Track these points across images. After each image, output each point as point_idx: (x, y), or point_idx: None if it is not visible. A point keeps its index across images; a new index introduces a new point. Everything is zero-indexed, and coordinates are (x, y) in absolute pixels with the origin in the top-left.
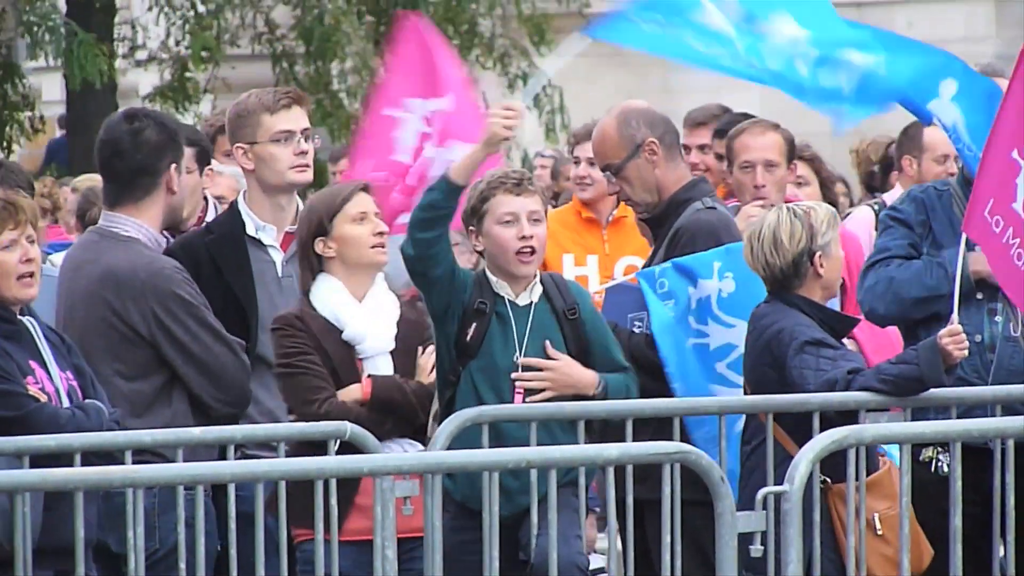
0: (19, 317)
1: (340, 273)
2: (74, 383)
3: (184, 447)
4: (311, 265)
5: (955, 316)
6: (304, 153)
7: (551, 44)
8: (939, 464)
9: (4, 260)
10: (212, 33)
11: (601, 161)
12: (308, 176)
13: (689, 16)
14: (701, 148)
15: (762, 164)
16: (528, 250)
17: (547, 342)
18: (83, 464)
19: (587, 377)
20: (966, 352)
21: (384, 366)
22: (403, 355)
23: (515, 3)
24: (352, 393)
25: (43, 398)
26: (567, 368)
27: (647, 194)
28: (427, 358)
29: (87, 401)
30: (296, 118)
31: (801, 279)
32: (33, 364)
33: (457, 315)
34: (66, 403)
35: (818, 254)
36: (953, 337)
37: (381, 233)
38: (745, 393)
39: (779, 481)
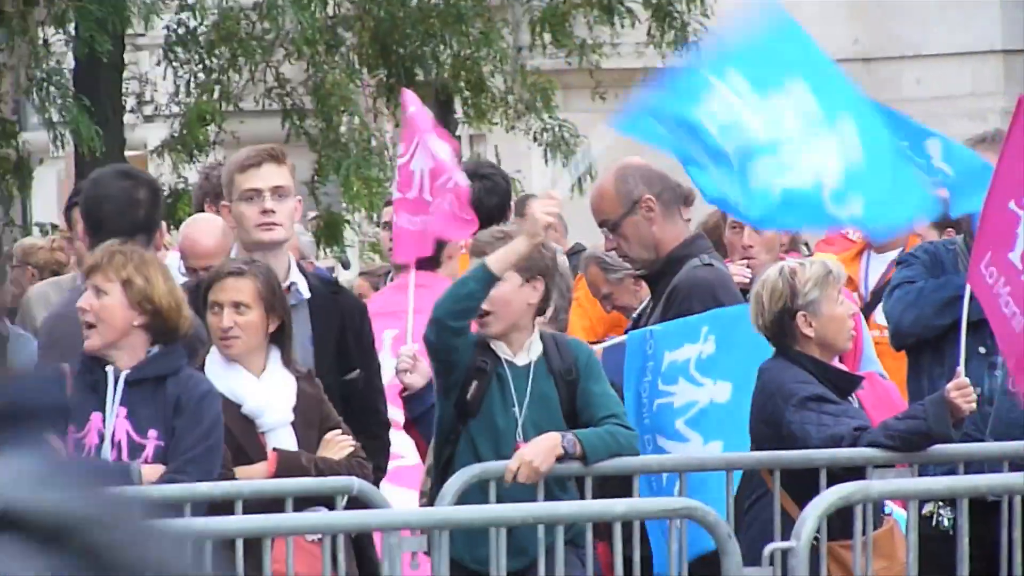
0: (106, 369)
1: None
2: (150, 442)
3: (191, 502)
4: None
5: (961, 369)
6: (269, 211)
7: (553, 109)
8: (940, 519)
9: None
10: (213, 96)
11: (599, 217)
12: (277, 234)
13: (695, 117)
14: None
15: (750, 225)
16: (483, 314)
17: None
18: None
19: (547, 441)
20: (974, 406)
21: (286, 438)
22: (304, 428)
23: (515, 63)
24: (255, 471)
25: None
26: (526, 450)
27: (644, 251)
28: (332, 435)
29: (123, 462)
30: (266, 176)
31: (790, 337)
32: (94, 415)
33: (459, 378)
34: (107, 454)
35: (801, 313)
36: (961, 391)
37: (224, 328)
38: (752, 449)
39: (782, 536)
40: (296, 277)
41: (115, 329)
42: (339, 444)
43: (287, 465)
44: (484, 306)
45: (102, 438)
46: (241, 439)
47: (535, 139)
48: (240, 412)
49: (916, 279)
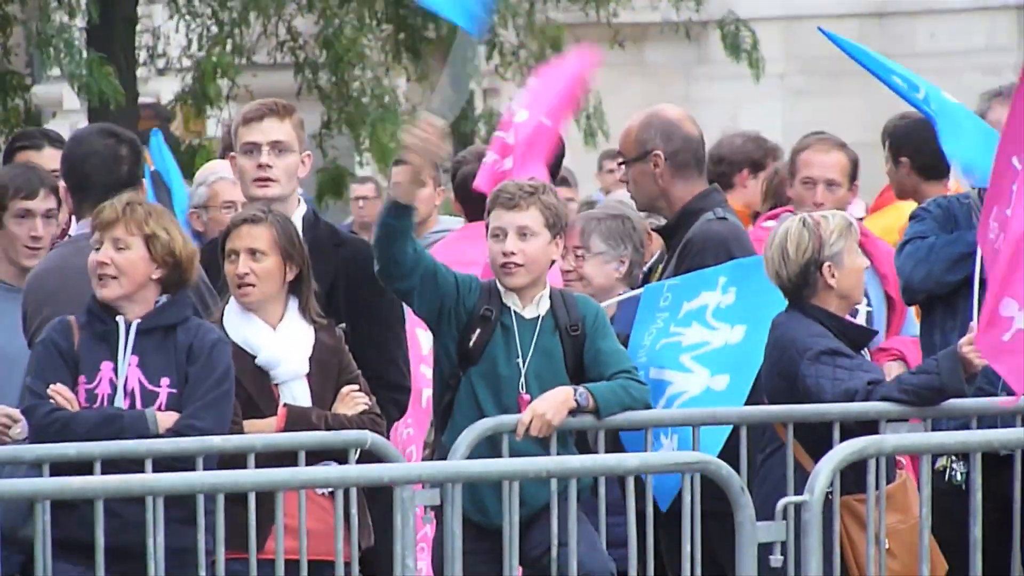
0: (116, 318)
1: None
2: (163, 390)
3: (204, 455)
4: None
5: (974, 324)
6: (265, 166)
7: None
8: (952, 473)
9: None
10: (227, 49)
11: (621, 150)
12: (271, 191)
13: None
14: None
15: (823, 182)
16: (510, 266)
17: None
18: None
19: (559, 395)
20: (986, 360)
21: (300, 391)
22: (320, 380)
23: (527, 15)
24: (264, 425)
25: (67, 398)
26: (538, 403)
27: (644, 199)
28: (348, 390)
29: (134, 409)
30: (266, 130)
31: (812, 289)
32: (104, 364)
33: (458, 320)
34: (121, 403)
35: (827, 264)
36: (973, 345)
37: (240, 275)
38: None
39: (795, 491)
40: None
41: (135, 282)
42: (354, 400)
43: (296, 421)
44: (518, 260)
45: (114, 387)
46: (253, 391)
47: None
48: (254, 363)
49: (928, 234)
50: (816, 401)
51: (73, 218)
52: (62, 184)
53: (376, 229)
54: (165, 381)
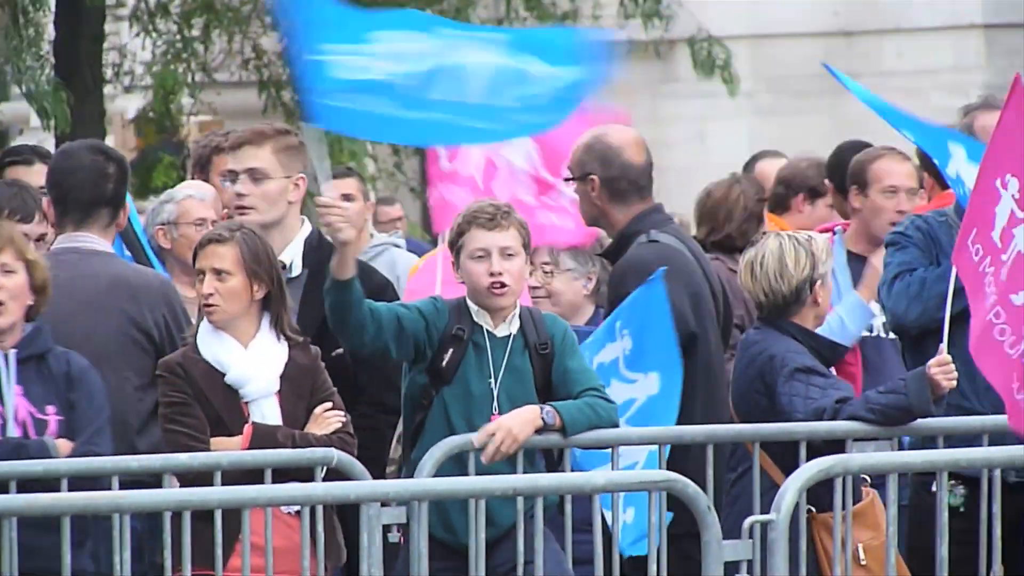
0: None
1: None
2: (51, 418)
3: (171, 472)
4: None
5: (944, 346)
6: (240, 195)
7: None
8: (952, 496)
9: None
10: (190, 67)
11: (568, 167)
12: (250, 217)
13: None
14: None
15: (905, 191)
16: (498, 284)
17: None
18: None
19: (526, 413)
20: (954, 383)
21: (270, 409)
22: (292, 398)
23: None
24: (229, 444)
25: None
26: (506, 419)
27: (586, 217)
28: (321, 409)
29: (35, 438)
30: (242, 158)
31: (798, 306)
32: None
33: (430, 347)
34: (13, 432)
35: (818, 283)
36: (942, 367)
37: (205, 295)
38: (735, 420)
39: (765, 510)
40: (291, 255)
41: (21, 309)
42: (327, 420)
43: (262, 439)
44: (505, 279)
45: (3, 418)
46: (223, 408)
47: None
48: (223, 381)
49: (915, 264)
50: (789, 418)
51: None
52: (45, 198)
53: (327, 311)
54: (51, 409)
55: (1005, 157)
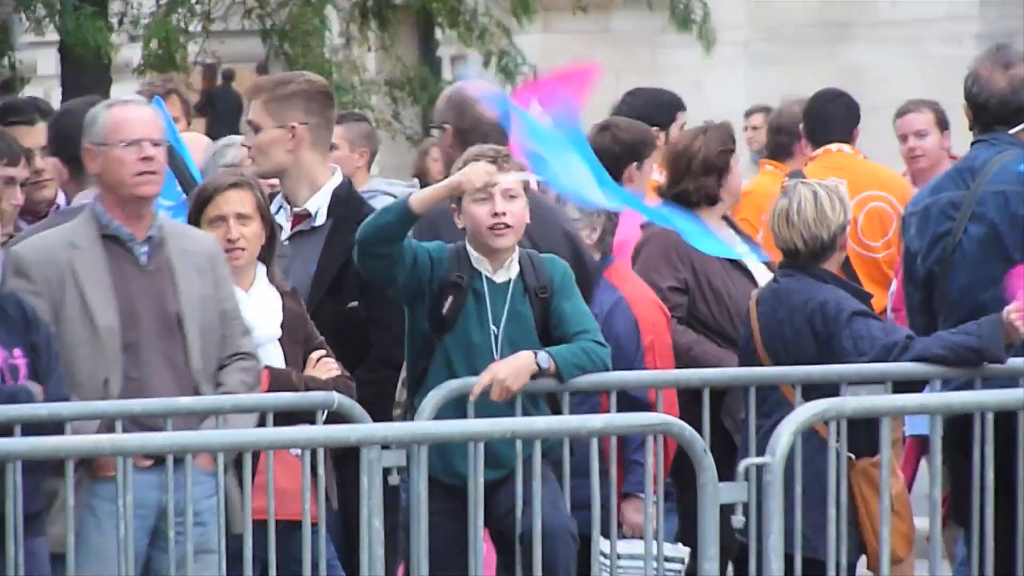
0: None
1: None
2: (20, 362)
3: (173, 416)
4: None
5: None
6: (234, 239)
7: (533, 16)
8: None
9: None
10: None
11: None
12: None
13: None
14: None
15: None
16: (501, 226)
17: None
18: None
19: (520, 360)
20: None
21: (274, 353)
22: (290, 344)
23: None
24: None
25: None
26: (498, 366)
27: (445, 164)
28: (318, 355)
29: (18, 384)
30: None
31: (831, 252)
32: None
33: (430, 293)
34: None
35: (848, 228)
36: (1020, 313)
37: (232, 241)
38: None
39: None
40: (317, 204)
41: None
42: (326, 365)
43: (278, 382)
44: (507, 220)
45: None
46: None
47: (485, 64)
48: None
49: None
50: (851, 361)
51: (61, 192)
52: (49, 158)
53: (373, 228)
54: (17, 352)
55: None
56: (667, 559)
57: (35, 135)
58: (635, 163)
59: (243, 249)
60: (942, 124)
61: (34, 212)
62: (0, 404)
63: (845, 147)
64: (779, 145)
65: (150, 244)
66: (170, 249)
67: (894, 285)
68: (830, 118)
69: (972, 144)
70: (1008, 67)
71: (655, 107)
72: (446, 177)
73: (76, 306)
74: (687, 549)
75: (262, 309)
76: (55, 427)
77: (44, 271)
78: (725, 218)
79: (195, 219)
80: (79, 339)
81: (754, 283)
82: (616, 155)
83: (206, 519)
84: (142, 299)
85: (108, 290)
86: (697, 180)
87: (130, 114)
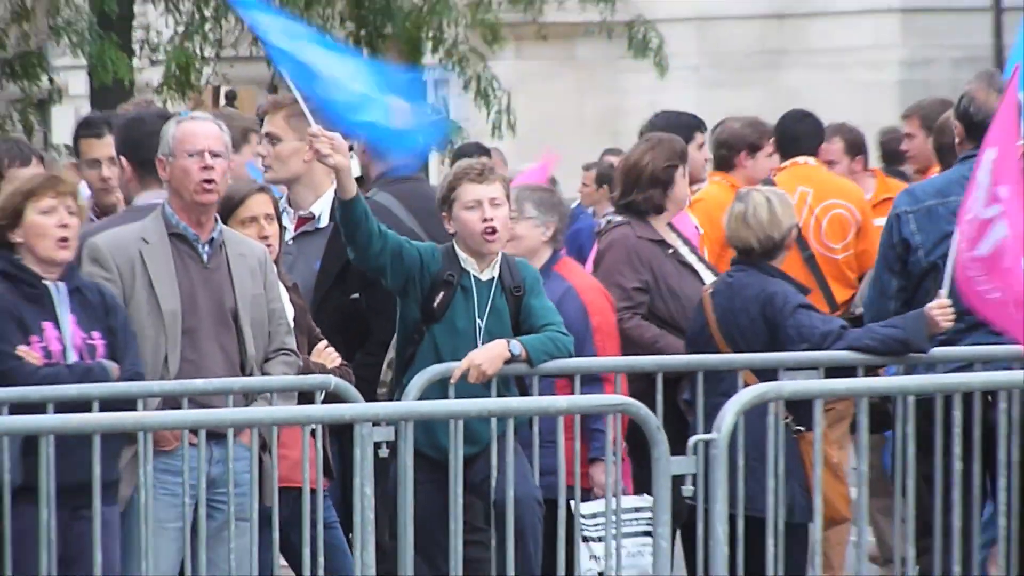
0: (44, 282)
1: None
2: (98, 343)
3: (189, 396)
4: None
5: (944, 292)
6: (260, 156)
7: (502, 43)
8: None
9: (42, 223)
10: (206, 42)
11: None
12: (266, 175)
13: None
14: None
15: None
16: (491, 230)
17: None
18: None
19: (495, 347)
20: (951, 323)
21: (290, 341)
22: (298, 334)
23: (472, 13)
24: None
25: (34, 356)
26: (476, 353)
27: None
28: (322, 347)
29: (97, 360)
30: (265, 125)
31: (781, 251)
32: (46, 324)
33: (421, 286)
34: (72, 359)
35: (794, 231)
36: (942, 309)
37: (265, 237)
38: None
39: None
40: (320, 208)
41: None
42: (330, 355)
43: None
44: (496, 225)
45: (63, 344)
46: None
47: (464, 87)
48: None
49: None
50: (795, 348)
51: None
52: (121, 159)
53: (342, 227)
54: (96, 334)
55: (994, 130)
56: (636, 509)
57: (104, 146)
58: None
59: (271, 245)
60: (853, 149)
61: (105, 214)
62: (77, 380)
63: (811, 160)
64: (722, 158)
65: (211, 245)
66: (228, 252)
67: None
68: (800, 135)
69: (966, 158)
70: (1000, 91)
71: (676, 127)
72: None
73: (144, 293)
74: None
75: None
76: (128, 403)
77: (117, 261)
78: (669, 224)
79: (224, 220)
80: (145, 322)
81: (701, 281)
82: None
83: (244, 491)
84: (202, 291)
85: (172, 281)
86: (645, 191)
87: (195, 128)
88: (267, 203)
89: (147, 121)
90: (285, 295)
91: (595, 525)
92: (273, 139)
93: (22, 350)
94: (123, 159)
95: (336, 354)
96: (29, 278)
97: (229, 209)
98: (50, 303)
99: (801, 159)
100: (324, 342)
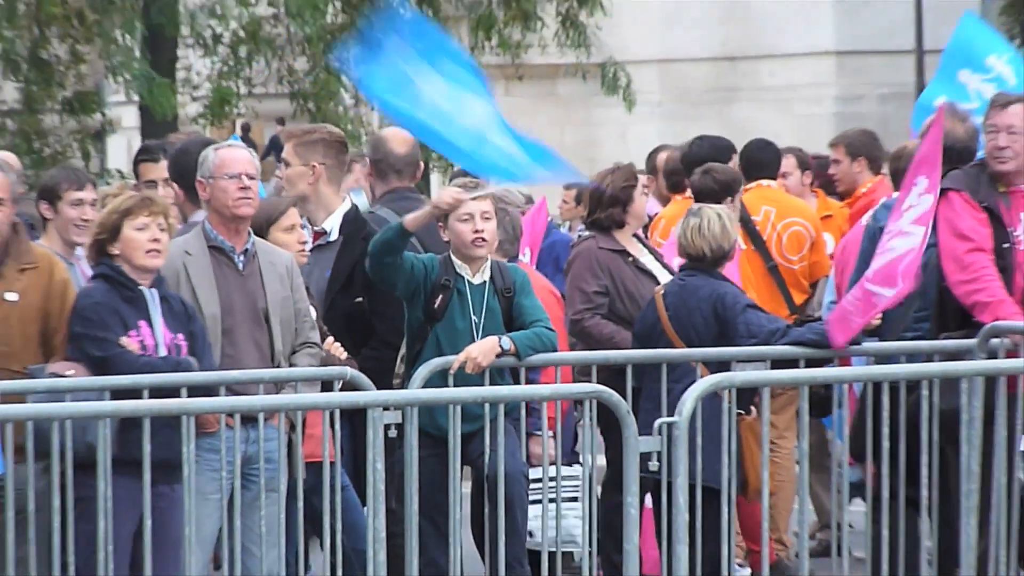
0: (139, 287)
1: None
2: (182, 343)
3: (227, 385)
4: None
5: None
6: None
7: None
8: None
9: (137, 237)
10: (232, 85)
11: None
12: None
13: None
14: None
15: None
16: (480, 240)
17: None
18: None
19: (488, 343)
20: (878, 322)
21: (315, 337)
22: None
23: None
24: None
25: (134, 346)
26: (472, 348)
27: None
28: (331, 341)
29: (184, 358)
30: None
31: (728, 259)
32: (141, 323)
33: (425, 292)
34: (162, 354)
35: (736, 243)
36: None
37: (304, 242)
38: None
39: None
40: (331, 224)
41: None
42: (338, 348)
43: (327, 359)
44: (485, 235)
45: (156, 341)
46: None
47: None
48: None
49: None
50: (745, 343)
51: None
52: (173, 185)
53: (380, 243)
54: (180, 336)
55: (921, 160)
56: (564, 477)
57: (159, 169)
58: (729, 197)
59: (304, 250)
60: (803, 165)
61: None
62: (170, 370)
63: (773, 183)
64: (674, 183)
65: (245, 255)
66: (260, 260)
67: (832, 282)
68: (763, 161)
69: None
70: (964, 121)
71: (715, 150)
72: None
73: (188, 298)
74: (580, 467)
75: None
76: (210, 390)
77: (165, 271)
78: (635, 236)
79: (268, 228)
80: None
81: (658, 284)
82: (715, 191)
83: (273, 466)
84: (238, 295)
85: (212, 287)
86: (606, 210)
87: (233, 154)
88: (298, 215)
89: (192, 152)
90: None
91: (535, 490)
92: (285, 164)
93: (124, 341)
94: (175, 185)
95: (342, 348)
96: (128, 282)
97: (274, 219)
98: (144, 306)
99: (764, 182)
100: (331, 338)
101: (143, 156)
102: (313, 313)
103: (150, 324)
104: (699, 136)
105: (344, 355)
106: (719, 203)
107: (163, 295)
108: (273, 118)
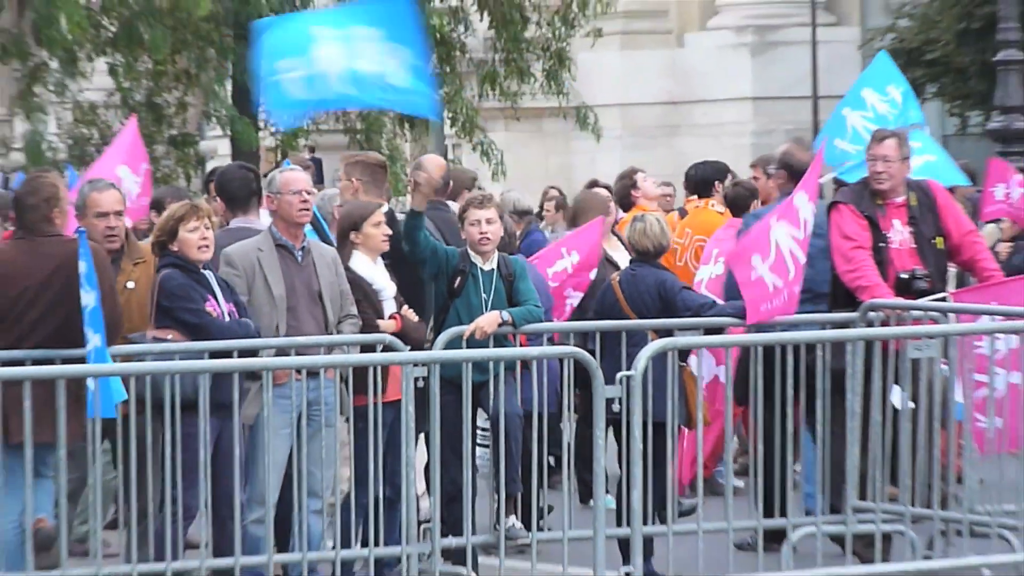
0: (202, 271)
1: (366, 252)
2: (234, 310)
3: (294, 348)
4: (349, 246)
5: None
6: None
7: (478, 130)
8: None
9: (190, 238)
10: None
11: None
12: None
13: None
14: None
15: None
16: (485, 240)
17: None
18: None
19: (492, 315)
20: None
21: (392, 307)
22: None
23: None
24: (388, 325)
25: (215, 314)
26: (480, 319)
27: None
28: (406, 310)
29: (242, 319)
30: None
31: (664, 254)
32: (208, 296)
33: (446, 274)
34: (226, 319)
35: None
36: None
37: (388, 235)
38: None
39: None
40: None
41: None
42: (411, 313)
43: (406, 323)
44: (489, 236)
45: (218, 308)
46: (373, 303)
47: (474, 149)
48: (372, 287)
49: None
50: (681, 315)
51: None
52: (217, 199)
53: (405, 224)
54: (229, 307)
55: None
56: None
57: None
58: (753, 201)
59: (386, 240)
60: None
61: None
62: (243, 330)
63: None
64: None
65: (303, 251)
66: (313, 254)
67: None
68: (706, 175)
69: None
70: (807, 150)
71: (713, 171)
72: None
73: (261, 284)
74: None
75: (387, 279)
76: (281, 351)
77: (243, 263)
78: (614, 233)
79: (360, 224)
80: (263, 302)
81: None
82: (745, 198)
83: (329, 408)
84: (298, 281)
85: (279, 275)
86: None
87: (296, 175)
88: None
89: (228, 174)
90: (386, 276)
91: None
92: (341, 179)
93: (207, 308)
94: (219, 199)
95: (413, 312)
96: (192, 267)
97: (366, 216)
98: (207, 283)
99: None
100: (406, 305)
101: (211, 176)
102: (393, 288)
103: (215, 297)
104: (700, 161)
105: (416, 318)
106: (747, 208)
107: (215, 276)
108: (332, 147)
